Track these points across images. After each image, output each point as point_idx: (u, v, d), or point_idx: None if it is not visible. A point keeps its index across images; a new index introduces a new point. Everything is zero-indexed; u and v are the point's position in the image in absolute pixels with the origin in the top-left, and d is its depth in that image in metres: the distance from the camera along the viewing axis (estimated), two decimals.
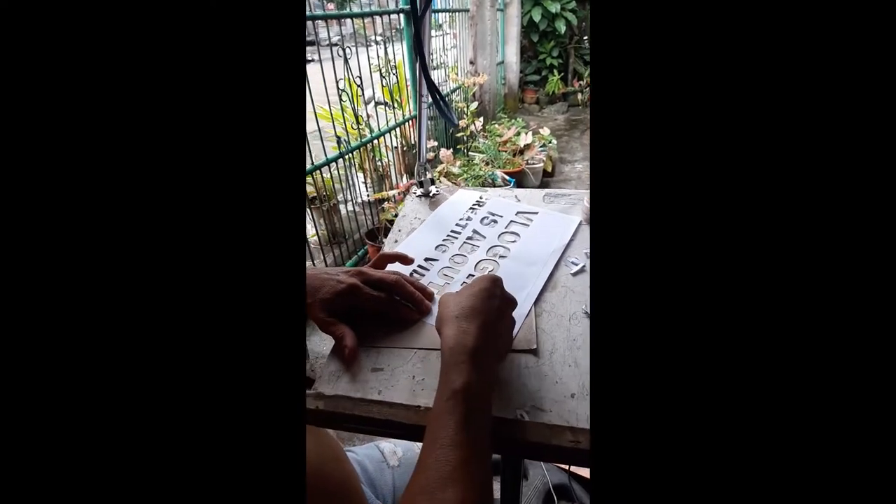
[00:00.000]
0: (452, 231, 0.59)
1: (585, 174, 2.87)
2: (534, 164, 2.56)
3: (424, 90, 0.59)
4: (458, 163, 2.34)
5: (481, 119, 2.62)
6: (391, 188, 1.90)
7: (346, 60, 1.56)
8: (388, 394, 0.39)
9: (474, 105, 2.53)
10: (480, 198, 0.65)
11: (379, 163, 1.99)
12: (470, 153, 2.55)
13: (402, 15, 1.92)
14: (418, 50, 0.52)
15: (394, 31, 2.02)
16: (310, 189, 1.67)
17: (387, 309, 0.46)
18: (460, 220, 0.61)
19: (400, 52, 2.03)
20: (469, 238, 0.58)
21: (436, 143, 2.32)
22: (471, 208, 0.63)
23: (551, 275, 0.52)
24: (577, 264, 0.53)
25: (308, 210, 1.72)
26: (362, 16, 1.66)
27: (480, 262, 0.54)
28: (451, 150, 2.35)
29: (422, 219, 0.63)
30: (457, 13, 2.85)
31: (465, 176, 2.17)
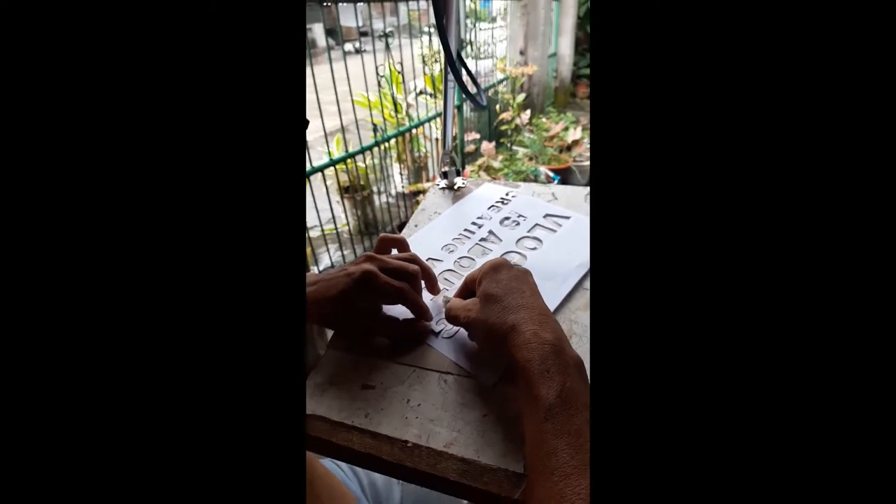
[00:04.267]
0: (466, 230, 0.52)
1: None
2: (582, 161, 2.40)
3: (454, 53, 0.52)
4: (500, 157, 2.24)
5: (528, 112, 2.50)
6: (428, 180, 1.84)
7: (387, 46, 1.51)
8: (376, 417, 0.33)
9: (521, 97, 2.41)
10: (507, 194, 0.58)
11: (417, 154, 1.94)
12: (513, 147, 2.44)
13: None
14: (437, 14, 0.44)
15: None
16: (344, 178, 1.65)
17: (404, 303, 0.38)
18: (478, 218, 0.54)
19: None
20: (483, 240, 0.50)
21: (478, 136, 2.24)
22: (493, 206, 0.56)
23: (578, 291, 0.43)
24: None
25: (341, 199, 1.70)
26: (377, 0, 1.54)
27: None
28: (494, 143, 2.25)
29: (441, 213, 0.56)
30: (509, 1, 2.73)
31: (505, 171, 2.07)
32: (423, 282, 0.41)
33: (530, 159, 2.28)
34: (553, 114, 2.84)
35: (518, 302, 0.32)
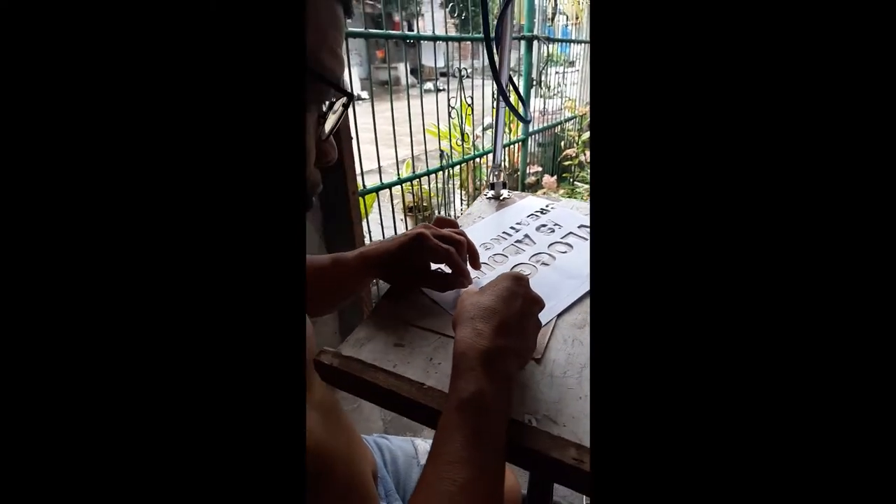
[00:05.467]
0: (504, 232, 0.57)
1: None
2: None
3: (505, 81, 0.60)
4: (562, 191, 2.27)
5: None
6: None
7: (461, 80, 1.65)
8: (402, 368, 0.39)
9: (587, 134, 2.45)
10: (547, 206, 0.63)
11: (479, 181, 2.04)
12: (575, 182, 2.46)
13: (522, 42, 1.98)
14: (486, 32, 0.52)
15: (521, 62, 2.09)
16: (409, 199, 1.78)
17: (447, 263, 0.44)
18: (517, 223, 0.59)
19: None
20: (518, 241, 0.56)
21: (540, 169, 2.30)
22: (532, 214, 0.61)
23: None
24: None
25: (404, 217, 1.83)
26: (454, 39, 1.64)
27: (518, 266, 0.51)
28: (556, 177, 2.30)
29: (485, 218, 0.63)
30: (582, 44, 2.83)
31: None
32: (467, 254, 0.47)
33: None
34: None
35: (491, 305, 0.34)
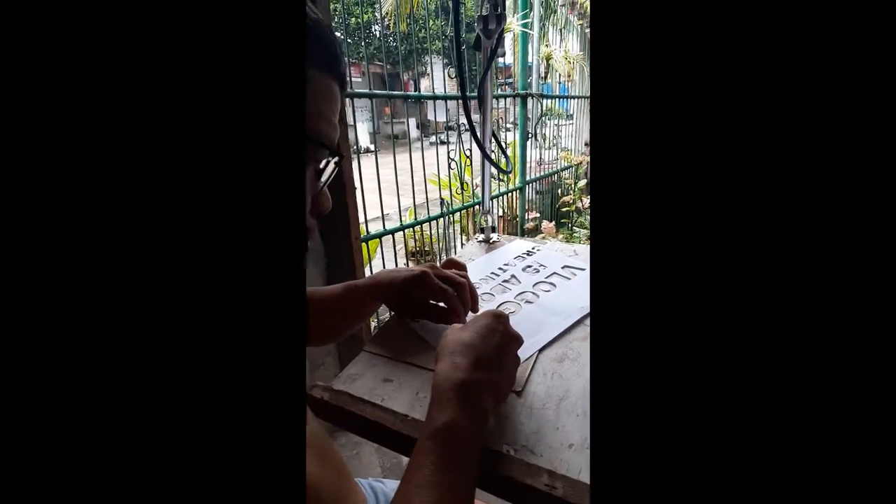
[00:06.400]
0: (492, 273, 0.61)
1: None
2: None
3: (488, 136, 0.66)
4: (561, 236, 2.32)
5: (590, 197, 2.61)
6: None
7: (459, 135, 1.76)
8: (389, 402, 0.41)
9: (583, 182, 2.54)
10: (532, 248, 0.66)
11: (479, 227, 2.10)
12: (574, 227, 2.52)
13: (517, 99, 2.11)
14: (463, 93, 0.58)
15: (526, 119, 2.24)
16: (412, 243, 1.83)
17: (445, 302, 0.48)
18: (504, 265, 0.63)
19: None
20: (505, 281, 0.59)
21: (538, 215, 2.37)
22: (519, 256, 0.65)
23: (579, 326, 0.49)
24: None
25: (407, 261, 1.88)
26: (444, 98, 1.67)
27: (504, 304, 0.54)
28: (554, 222, 2.36)
29: (475, 260, 0.66)
30: (577, 99, 3.00)
31: None
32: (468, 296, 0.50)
33: (588, 238, 2.33)
34: None
35: (470, 340, 0.36)
